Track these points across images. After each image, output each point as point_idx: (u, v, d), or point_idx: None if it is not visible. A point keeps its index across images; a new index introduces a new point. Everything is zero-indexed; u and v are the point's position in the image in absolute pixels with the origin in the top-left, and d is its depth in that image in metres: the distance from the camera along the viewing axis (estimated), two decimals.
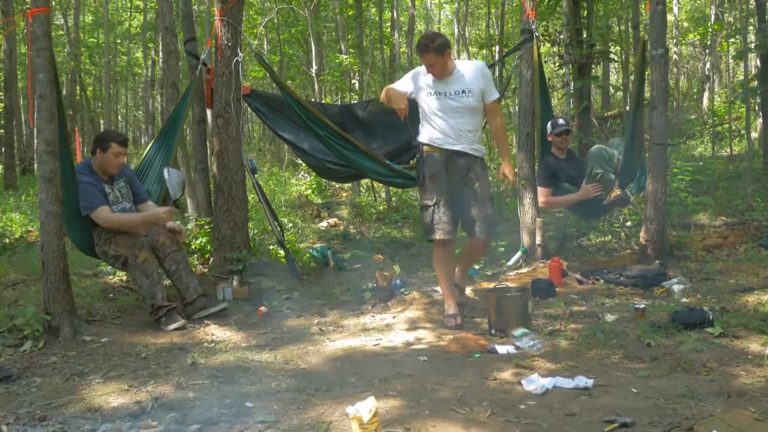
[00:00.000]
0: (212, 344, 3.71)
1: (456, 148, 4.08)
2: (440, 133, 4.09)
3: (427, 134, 4.15)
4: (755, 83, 8.41)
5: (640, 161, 5.31)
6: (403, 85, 4.23)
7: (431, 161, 4.12)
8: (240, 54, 5.23)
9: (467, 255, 4.47)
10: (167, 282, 4.46)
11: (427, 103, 4.11)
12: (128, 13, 20.38)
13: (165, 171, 4.65)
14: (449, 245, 4.14)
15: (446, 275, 4.17)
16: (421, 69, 4.14)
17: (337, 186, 10.37)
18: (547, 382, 2.81)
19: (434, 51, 3.92)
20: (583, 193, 5.18)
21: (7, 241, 6.64)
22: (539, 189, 5.37)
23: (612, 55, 10.33)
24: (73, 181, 4.04)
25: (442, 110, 4.07)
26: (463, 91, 4.03)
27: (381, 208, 9.00)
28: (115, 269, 5.30)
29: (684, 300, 4.17)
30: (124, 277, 5.19)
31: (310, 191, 9.99)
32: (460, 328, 3.91)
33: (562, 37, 8.81)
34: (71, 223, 4.16)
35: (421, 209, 4.18)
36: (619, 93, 14.40)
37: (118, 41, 19.93)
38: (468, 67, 4.11)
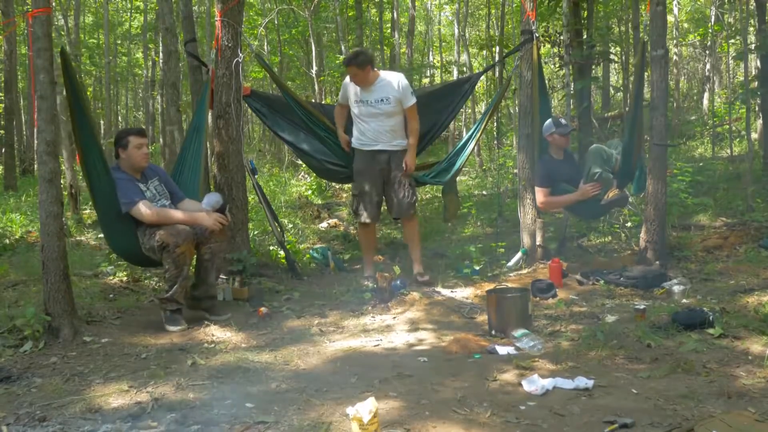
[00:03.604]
0: (212, 345, 3.71)
1: (376, 147, 5.04)
2: (362, 135, 5.07)
3: (354, 136, 5.16)
4: (755, 84, 8.40)
5: (639, 161, 5.30)
6: (342, 97, 5.19)
7: (358, 158, 5.15)
8: (240, 55, 5.23)
9: (408, 240, 5.38)
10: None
11: (353, 109, 5.07)
12: (128, 14, 20.38)
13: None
14: (371, 226, 5.27)
15: (368, 248, 5.30)
16: (351, 81, 5.01)
17: (337, 187, 10.36)
18: (548, 382, 2.81)
19: (356, 65, 4.86)
20: (581, 193, 5.18)
21: (7, 241, 6.65)
22: (537, 189, 5.36)
23: (612, 56, 10.33)
24: (108, 183, 3.93)
25: (365, 116, 5.00)
26: (382, 99, 4.94)
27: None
28: (115, 270, 5.31)
29: (684, 301, 4.17)
30: (124, 278, 5.18)
31: (310, 192, 9.99)
32: (376, 285, 4.70)
33: (562, 38, 8.81)
34: (112, 229, 4.09)
35: (352, 197, 5.29)
36: (619, 94, 14.40)
37: (119, 42, 19.93)
38: (388, 78, 4.99)
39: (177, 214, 4.09)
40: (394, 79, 4.99)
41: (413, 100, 5.01)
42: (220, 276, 5.14)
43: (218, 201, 4.24)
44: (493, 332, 3.72)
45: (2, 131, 13.07)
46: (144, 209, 3.97)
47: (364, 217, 5.13)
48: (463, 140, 5.84)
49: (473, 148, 5.93)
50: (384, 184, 5.12)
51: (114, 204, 3.96)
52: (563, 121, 5.36)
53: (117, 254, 4.48)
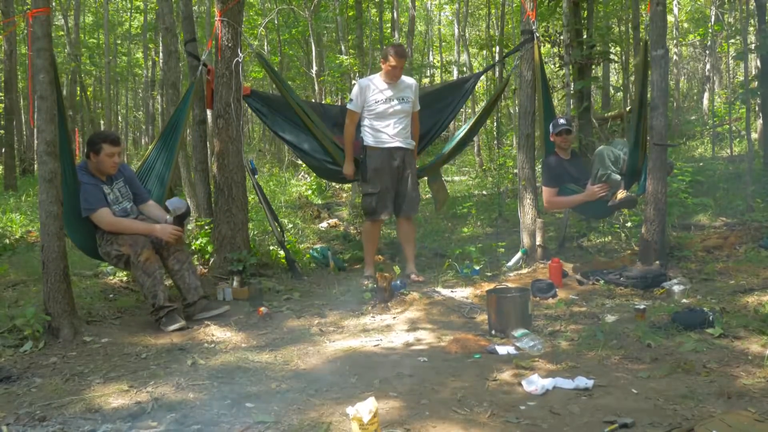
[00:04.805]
0: (212, 345, 3.71)
1: (393, 145, 5.11)
2: (381, 133, 5.11)
3: (372, 136, 5.13)
4: (755, 84, 8.40)
5: (645, 162, 5.28)
6: (358, 103, 5.13)
7: (375, 157, 5.12)
8: (240, 54, 5.23)
9: (405, 239, 5.38)
10: (168, 282, 4.44)
11: (376, 108, 5.09)
12: (128, 14, 20.40)
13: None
14: (379, 225, 5.37)
15: (371, 247, 5.33)
16: (370, 82, 5.11)
17: (337, 186, 10.37)
18: (548, 382, 2.81)
19: (405, 58, 5.07)
20: (589, 194, 5.16)
21: (7, 241, 6.64)
22: (544, 189, 5.36)
23: (612, 56, 10.32)
24: (74, 183, 4.03)
25: (388, 114, 5.08)
26: (403, 98, 5.13)
27: None
28: (115, 270, 5.31)
29: (684, 301, 4.17)
30: (124, 278, 5.18)
31: (310, 192, 9.99)
32: (376, 285, 4.68)
33: (562, 38, 8.80)
34: (73, 225, 4.15)
35: (365, 196, 5.23)
36: (619, 94, 14.40)
37: (119, 42, 19.94)
38: (408, 82, 5.23)
39: (133, 225, 4.19)
40: (411, 82, 5.27)
41: (419, 106, 5.34)
42: (221, 276, 5.16)
43: (180, 207, 4.27)
44: (493, 332, 3.72)
45: (2, 131, 13.07)
46: (102, 218, 4.09)
47: (383, 215, 5.18)
48: (454, 136, 5.98)
49: (462, 138, 5.93)
50: (397, 182, 5.19)
51: (77, 204, 4.06)
52: (561, 120, 5.36)
53: (73, 243, 4.53)
